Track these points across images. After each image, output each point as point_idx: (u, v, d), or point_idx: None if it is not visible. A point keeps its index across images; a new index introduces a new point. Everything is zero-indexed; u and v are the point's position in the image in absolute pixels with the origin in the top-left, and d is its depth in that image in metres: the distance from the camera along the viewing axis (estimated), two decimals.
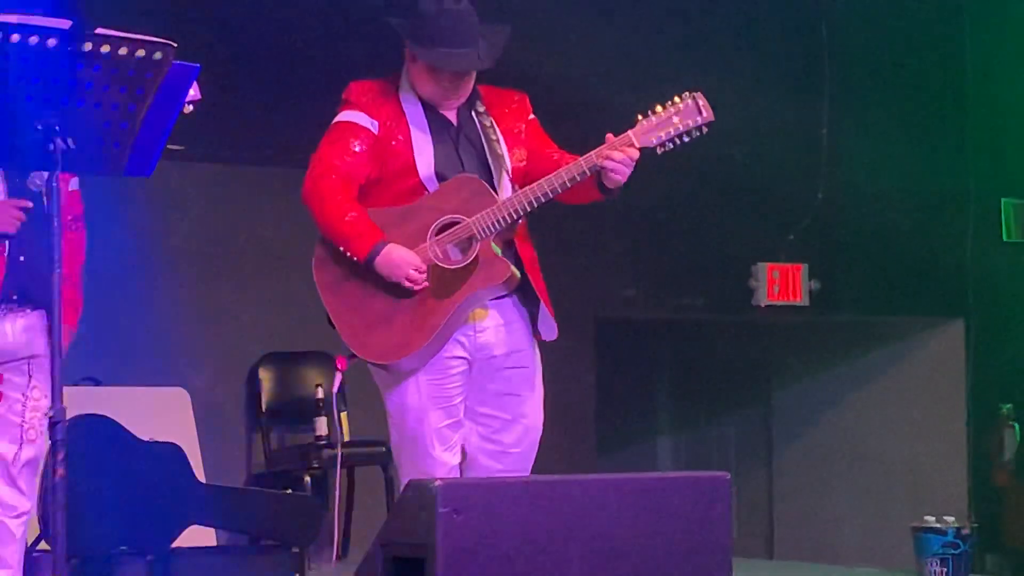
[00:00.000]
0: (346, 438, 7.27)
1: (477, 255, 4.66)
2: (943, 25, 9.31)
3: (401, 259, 4.62)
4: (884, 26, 9.14)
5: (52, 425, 3.79)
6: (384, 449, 6.94)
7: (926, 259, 9.19)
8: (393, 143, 4.74)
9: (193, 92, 4.25)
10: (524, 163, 4.82)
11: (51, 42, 3.74)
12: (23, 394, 4.61)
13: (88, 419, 6.10)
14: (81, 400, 5.98)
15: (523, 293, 4.78)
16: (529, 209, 4.67)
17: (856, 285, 9.25)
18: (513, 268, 4.69)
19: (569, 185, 4.67)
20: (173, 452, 6.45)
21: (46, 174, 3.99)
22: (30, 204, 4.40)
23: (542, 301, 4.78)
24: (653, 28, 8.59)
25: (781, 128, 8.85)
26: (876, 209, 9.15)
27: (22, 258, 4.49)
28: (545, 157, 4.82)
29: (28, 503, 4.65)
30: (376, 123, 4.74)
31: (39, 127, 3.81)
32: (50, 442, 3.82)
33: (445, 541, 3.76)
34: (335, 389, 4.85)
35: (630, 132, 4.70)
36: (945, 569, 7.58)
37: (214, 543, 7.00)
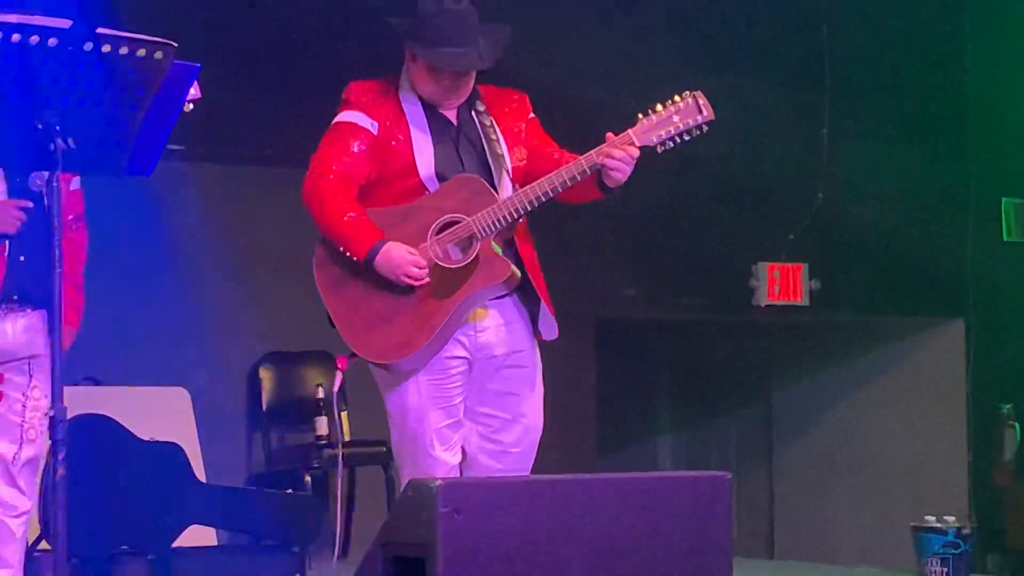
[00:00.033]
0: (346, 438, 7.27)
1: (477, 254, 4.66)
2: (943, 25, 9.31)
3: (400, 257, 4.62)
4: (884, 26, 9.14)
5: (52, 425, 3.80)
6: (385, 449, 6.95)
7: (926, 259, 9.19)
8: (393, 143, 4.74)
9: (193, 91, 4.25)
10: (524, 162, 4.82)
11: (51, 42, 3.74)
12: (23, 394, 4.61)
13: (88, 419, 6.10)
14: (81, 400, 5.97)
15: (523, 292, 4.78)
16: (530, 208, 4.68)
17: (856, 285, 9.25)
18: (514, 267, 4.69)
19: (569, 184, 4.67)
20: (174, 452, 6.45)
21: (46, 174, 3.99)
22: (30, 204, 4.40)
23: (543, 300, 4.78)
24: (653, 28, 8.59)
25: (781, 128, 8.86)
26: (876, 209, 9.15)
27: (22, 258, 4.49)
28: (545, 156, 4.82)
29: (28, 503, 4.65)
30: (376, 123, 4.74)
31: (39, 127, 3.82)
32: (50, 442, 3.82)
33: (445, 541, 3.76)
34: (336, 389, 4.85)
35: (630, 131, 4.70)
36: (946, 569, 7.58)
37: (215, 543, 7.00)
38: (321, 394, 7.46)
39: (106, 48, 3.80)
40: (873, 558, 9.05)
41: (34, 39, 3.73)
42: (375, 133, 4.74)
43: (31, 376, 4.62)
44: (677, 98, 4.73)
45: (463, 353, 4.74)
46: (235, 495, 6.75)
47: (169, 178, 7.00)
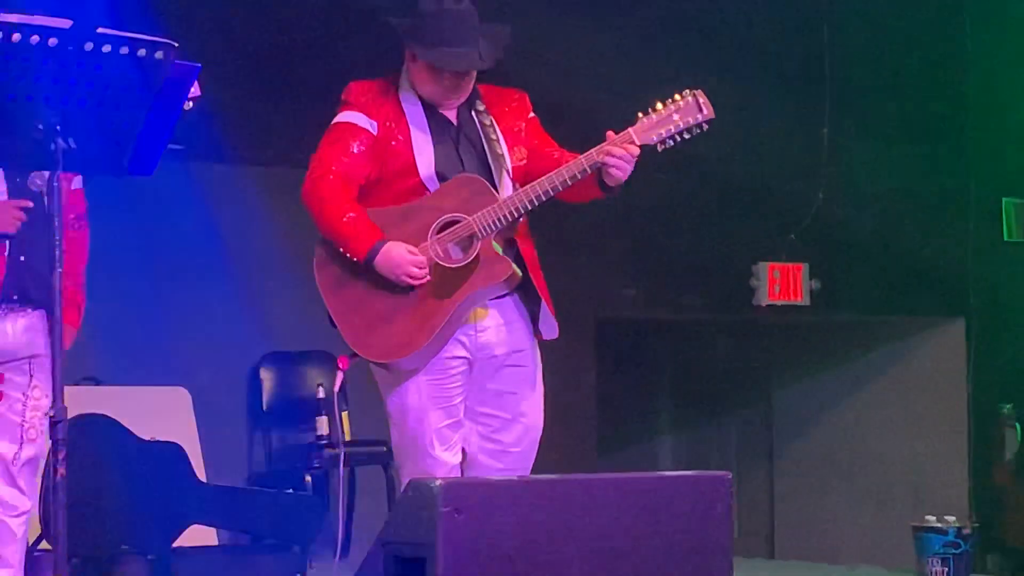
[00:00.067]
0: (347, 438, 7.27)
1: (478, 254, 4.66)
2: (943, 25, 9.31)
3: (401, 257, 4.62)
4: (884, 26, 9.14)
5: (53, 424, 3.80)
6: (385, 449, 6.94)
7: (927, 259, 9.19)
8: (393, 143, 4.74)
9: (193, 89, 4.25)
10: (524, 162, 4.83)
11: (52, 42, 3.74)
12: (24, 393, 4.62)
13: (89, 419, 6.10)
14: (82, 400, 5.98)
15: (524, 292, 4.78)
16: (530, 207, 4.68)
17: (857, 285, 9.25)
18: (514, 266, 4.69)
19: (570, 183, 4.67)
20: (174, 452, 6.45)
21: (46, 174, 3.99)
22: (30, 204, 4.40)
23: (543, 300, 4.79)
24: (653, 28, 8.59)
25: (781, 128, 8.85)
26: (877, 209, 9.16)
27: (22, 258, 4.49)
28: (545, 156, 4.82)
29: (29, 502, 4.66)
30: (375, 123, 4.74)
31: (40, 127, 3.82)
32: (51, 441, 3.82)
33: (446, 540, 3.76)
34: (337, 388, 4.85)
35: (631, 129, 4.70)
36: (946, 569, 7.59)
37: (215, 543, 7.00)
38: (322, 394, 7.46)
39: (106, 48, 3.80)
40: (873, 558, 9.05)
41: (34, 39, 3.73)
42: (375, 133, 4.74)
43: (31, 376, 4.62)
44: (677, 96, 4.73)
45: (463, 353, 4.74)
46: (236, 495, 6.75)
47: (170, 178, 7.01)
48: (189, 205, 7.53)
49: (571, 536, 3.94)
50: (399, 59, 4.82)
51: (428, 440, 4.72)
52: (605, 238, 8.55)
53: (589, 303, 8.51)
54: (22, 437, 4.61)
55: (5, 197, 4.48)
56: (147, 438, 6.38)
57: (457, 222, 4.67)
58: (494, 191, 4.71)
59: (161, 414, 6.99)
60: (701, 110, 4.72)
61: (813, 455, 10.01)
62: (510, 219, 4.67)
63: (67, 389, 3.84)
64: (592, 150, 4.68)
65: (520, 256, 4.74)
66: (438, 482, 3.83)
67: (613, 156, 4.66)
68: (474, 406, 4.80)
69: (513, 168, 4.79)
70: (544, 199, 4.66)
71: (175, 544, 6.38)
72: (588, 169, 4.67)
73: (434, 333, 4.64)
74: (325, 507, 6.78)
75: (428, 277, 4.63)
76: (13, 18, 3.72)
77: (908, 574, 8.01)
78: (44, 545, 5.86)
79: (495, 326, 4.76)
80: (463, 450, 4.81)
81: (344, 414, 7.16)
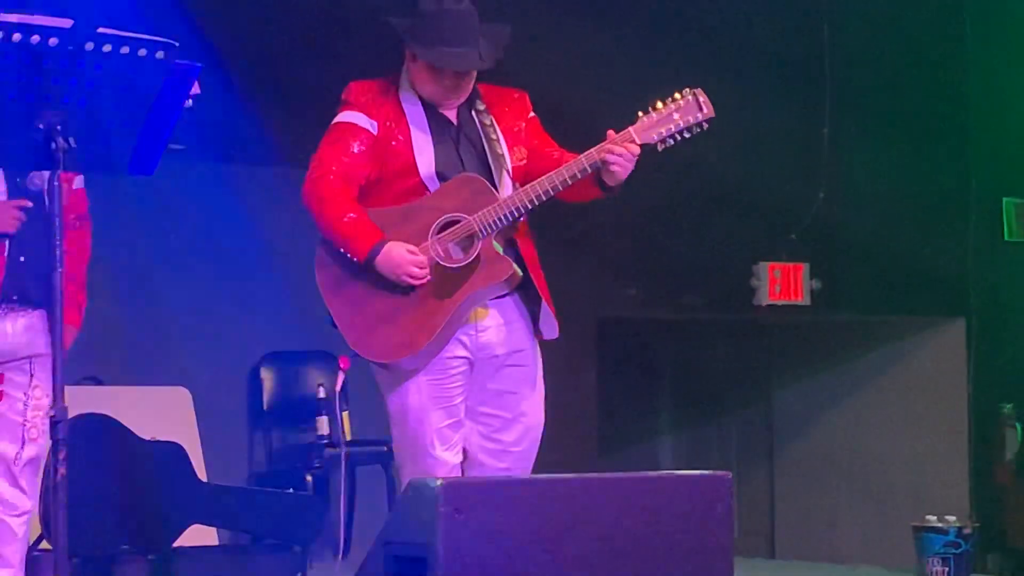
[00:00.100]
0: (347, 438, 7.26)
1: (479, 253, 4.66)
2: (943, 25, 9.30)
3: (401, 257, 4.62)
4: (884, 26, 9.14)
5: (54, 424, 3.80)
6: (386, 449, 6.94)
7: (927, 259, 9.19)
8: (393, 143, 4.74)
9: (194, 88, 4.25)
10: (524, 162, 4.83)
11: (52, 41, 3.75)
12: (24, 393, 4.62)
13: (90, 418, 6.10)
14: (83, 399, 5.98)
15: (524, 292, 4.78)
16: (530, 207, 4.68)
17: (857, 284, 9.25)
18: (515, 266, 4.70)
19: (570, 182, 4.67)
20: (175, 451, 6.45)
21: (46, 174, 3.99)
22: (30, 204, 4.41)
23: (543, 299, 4.79)
24: (653, 28, 8.59)
25: (781, 128, 8.85)
26: (877, 209, 9.15)
27: (22, 258, 4.49)
28: (545, 155, 4.83)
29: (29, 502, 4.66)
30: (375, 123, 4.75)
31: (41, 127, 3.82)
32: (52, 441, 3.82)
33: (446, 540, 3.76)
34: (338, 388, 4.85)
35: (631, 128, 4.71)
36: (947, 568, 7.59)
37: (216, 542, 7.00)
38: (322, 394, 7.46)
39: (107, 48, 3.80)
40: (874, 558, 9.05)
41: (35, 39, 3.73)
42: (375, 133, 4.74)
43: (32, 375, 4.62)
44: (677, 95, 4.74)
45: (464, 353, 4.74)
46: (236, 495, 6.75)
47: (170, 178, 7.01)
48: (189, 205, 7.54)
49: (571, 536, 3.94)
50: (399, 59, 4.82)
51: (429, 440, 4.72)
52: (605, 238, 8.55)
53: (589, 303, 8.51)
54: (23, 437, 4.61)
55: (5, 197, 4.48)
56: (148, 438, 6.37)
57: (457, 222, 4.67)
58: (494, 191, 4.71)
59: (162, 414, 6.99)
60: (701, 109, 4.73)
61: (813, 455, 10.00)
62: (510, 219, 4.67)
63: (68, 389, 3.84)
64: (592, 149, 4.68)
65: (520, 256, 4.75)
66: (438, 482, 3.83)
67: (613, 155, 4.66)
68: (475, 406, 4.80)
69: (513, 168, 4.79)
70: (544, 199, 4.66)
71: (176, 544, 6.38)
72: (588, 168, 4.67)
73: (435, 333, 4.64)
74: (325, 507, 6.78)
75: (429, 277, 4.63)
76: (13, 18, 3.73)
77: (908, 574, 8.01)
78: (44, 545, 5.86)
79: (496, 326, 4.76)
80: (464, 450, 4.81)
81: (345, 414, 7.16)
